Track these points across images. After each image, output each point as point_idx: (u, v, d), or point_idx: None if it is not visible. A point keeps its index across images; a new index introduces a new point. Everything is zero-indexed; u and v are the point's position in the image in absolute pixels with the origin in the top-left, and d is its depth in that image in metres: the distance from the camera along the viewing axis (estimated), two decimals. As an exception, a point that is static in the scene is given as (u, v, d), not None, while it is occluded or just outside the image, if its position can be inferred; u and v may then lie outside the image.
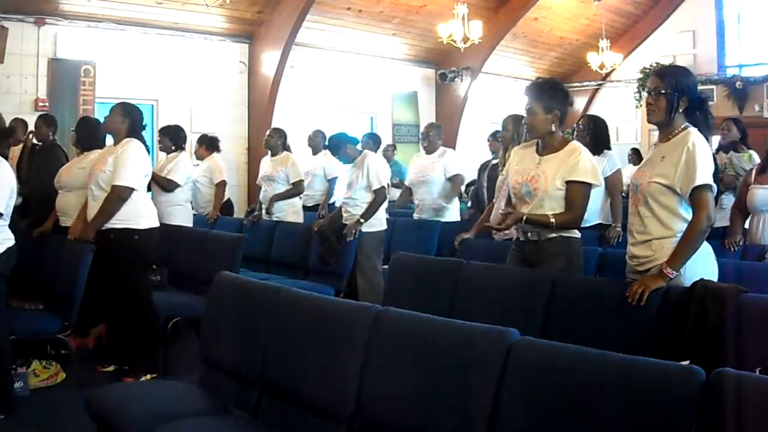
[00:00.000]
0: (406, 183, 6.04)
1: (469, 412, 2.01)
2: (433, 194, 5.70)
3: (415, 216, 5.92)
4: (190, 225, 5.66)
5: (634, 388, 1.75)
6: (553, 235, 3.15)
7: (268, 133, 6.37)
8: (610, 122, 5.01)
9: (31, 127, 5.62)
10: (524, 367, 1.96)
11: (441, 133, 5.89)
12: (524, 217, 3.07)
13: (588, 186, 3.11)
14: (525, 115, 3.22)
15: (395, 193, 8.73)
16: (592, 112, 12.32)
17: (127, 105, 4.29)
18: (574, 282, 3.08)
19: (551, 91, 3.17)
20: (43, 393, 3.92)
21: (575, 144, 3.21)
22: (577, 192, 3.09)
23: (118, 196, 4.02)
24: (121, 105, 4.29)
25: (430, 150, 5.76)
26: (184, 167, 5.63)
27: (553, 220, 3.06)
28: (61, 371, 4.12)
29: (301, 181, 6.13)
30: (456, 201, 5.88)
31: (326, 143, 5.52)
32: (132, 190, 4.06)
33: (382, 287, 5.06)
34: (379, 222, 5.21)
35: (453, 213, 5.80)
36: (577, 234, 3.23)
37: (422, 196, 5.77)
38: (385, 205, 6.75)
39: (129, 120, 4.19)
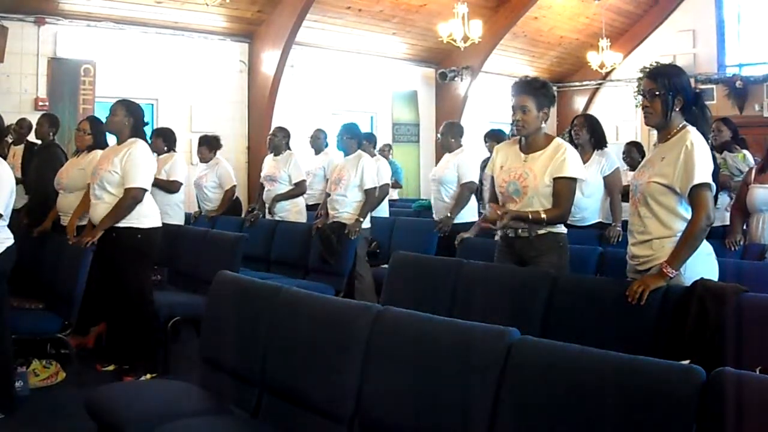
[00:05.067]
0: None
1: (469, 412, 2.01)
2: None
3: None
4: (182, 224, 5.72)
5: (634, 388, 1.75)
6: (543, 231, 3.22)
7: (272, 131, 6.36)
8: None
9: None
10: (524, 366, 1.96)
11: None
12: (528, 215, 3.10)
13: (574, 181, 3.20)
14: (513, 112, 3.24)
15: (394, 193, 8.75)
16: (592, 111, 12.28)
17: (129, 103, 4.24)
18: (574, 281, 3.09)
19: (543, 90, 3.25)
20: (43, 392, 3.92)
21: (559, 141, 3.29)
22: (564, 188, 3.17)
23: (133, 197, 4.01)
24: (123, 103, 4.22)
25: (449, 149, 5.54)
26: (181, 167, 5.76)
27: (544, 216, 3.12)
28: (61, 371, 4.12)
29: (304, 181, 6.12)
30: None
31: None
32: (145, 191, 4.07)
33: (372, 282, 5.14)
34: (366, 220, 5.28)
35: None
36: (564, 230, 3.32)
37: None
38: (385, 203, 6.78)
39: (132, 119, 4.17)
